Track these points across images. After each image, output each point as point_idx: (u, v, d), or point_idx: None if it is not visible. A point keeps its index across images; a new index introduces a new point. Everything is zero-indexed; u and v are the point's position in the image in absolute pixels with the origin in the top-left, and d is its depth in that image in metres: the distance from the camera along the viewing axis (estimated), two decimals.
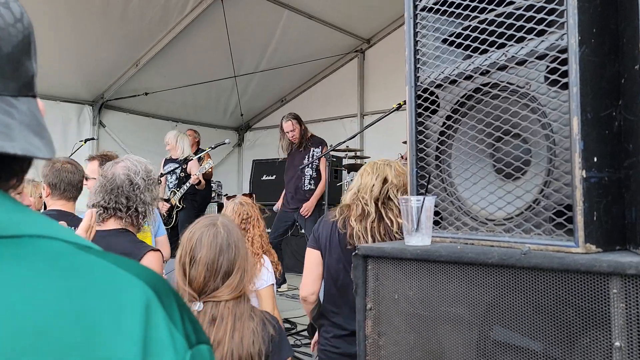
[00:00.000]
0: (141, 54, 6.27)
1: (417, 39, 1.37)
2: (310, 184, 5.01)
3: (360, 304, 1.28)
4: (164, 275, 1.88)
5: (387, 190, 2.03)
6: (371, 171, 2.11)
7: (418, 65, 1.37)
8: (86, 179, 2.72)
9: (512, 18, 1.12)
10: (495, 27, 1.16)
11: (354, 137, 3.55)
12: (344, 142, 3.58)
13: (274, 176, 7.18)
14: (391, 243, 1.38)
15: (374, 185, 2.05)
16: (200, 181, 4.82)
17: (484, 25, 1.19)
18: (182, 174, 5.04)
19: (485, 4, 1.19)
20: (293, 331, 3.53)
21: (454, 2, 1.26)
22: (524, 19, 1.09)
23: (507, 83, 1.15)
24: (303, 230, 5.53)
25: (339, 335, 2.10)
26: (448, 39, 1.30)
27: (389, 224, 1.99)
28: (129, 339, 0.43)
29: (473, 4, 1.22)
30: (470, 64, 1.23)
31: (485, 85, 1.21)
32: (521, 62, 1.12)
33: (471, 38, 1.22)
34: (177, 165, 4.98)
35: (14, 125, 0.47)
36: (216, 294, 1.45)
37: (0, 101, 0.48)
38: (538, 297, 0.99)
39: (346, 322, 2.05)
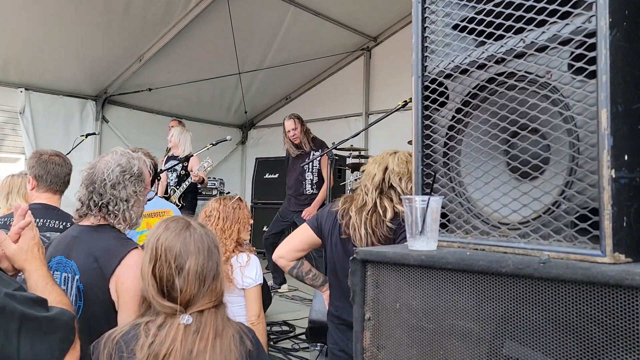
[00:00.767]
0: (145, 49, 6.21)
1: (425, 25, 1.25)
2: (312, 188, 4.92)
3: (358, 313, 1.17)
4: None
5: (389, 178, 1.99)
6: (375, 160, 2.09)
7: (426, 54, 1.26)
8: None
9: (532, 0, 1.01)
10: (512, 10, 1.05)
11: (357, 134, 3.46)
12: (347, 139, 3.47)
13: (277, 174, 7.13)
14: (393, 247, 1.27)
15: (375, 174, 2.02)
16: (203, 179, 4.73)
17: (499, 9, 1.08)
18: (183, 172, 4.95)
19: None
20: (291, 334, 3.43)
21: None
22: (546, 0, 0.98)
23: (525, 72, 1.04)
24: None
25: (343, 330, 2.06)
26: (459, 25, 1.18)
27: (382, 213, 1.94)
28: None
29: None
30: (483, 52, 1.12)
31: (500, 74, 1.09)
32: (541, 49, 1.00)
33: (485, 23, 1.11)
34: (177, 163, 4.89)
35: None
36: (199, 304, 1.32)
37: None
38: (558, 312, 0.88)
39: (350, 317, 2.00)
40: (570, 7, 0.94)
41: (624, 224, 0.87)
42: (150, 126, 7.35)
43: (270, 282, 4.62)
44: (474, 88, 1.16)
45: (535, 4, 1.00)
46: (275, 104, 8.61)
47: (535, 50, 1.01)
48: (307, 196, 4.90)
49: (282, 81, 7.87)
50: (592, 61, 0.90)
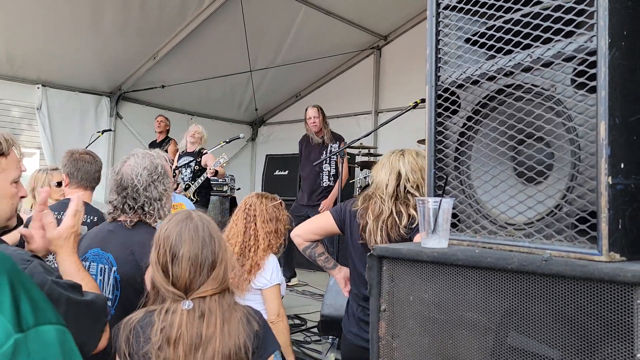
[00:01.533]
0: (159, 47, 6.32)
1: (439, 37, 1.34)
2: (329, 180, 4.98)
3: (374, 304, 1.27)
4: None
5: (404, 187, 2.03)
6: (383, 165, 2.11)
7: (439, 65, 1.35)
8: None
9: (539, 18, 1.09)
10: (520, 27, 1.14)
11: (369, 134, 3.53)
12: (359, 139, 3.56)
13: (287, 171, 7.20)
14: (407, 244, 1.36)
15: (387, 184, 2.05)
16: (216, 172, 4.83)
17: (509, 25, 1.16)
18: (197, 167, 5.06)
19: (511, 3, 1.16)
20: (303, 327, 3.53)
21: (479, 1, 1.24)
22: (552, 19, 1.07)
23: (532, 85, 1.13)
24: None
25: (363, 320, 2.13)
26: (471, 39, 1.27)
27: (397, 219, 1.99)
28: None
29: (498, 4, 1.19)
30: (493, 65, 1.21)
31: (508, 86, 1.18)
32: (547, 64, 1.09)
33: (495, 38, 1.20)
34: (192, 159, 5.00)
35: None
36: (202, 290, 1.40)
37: None
38: (558, 305, 0.97)
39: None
40: (573, 27, 1.03)
41: (620, 226, 0.96)
42: None
43: None
44: (484, 98, 1.25)
45: (541, 22, 1.09)
46: (285, 101, 8.70)
47: (541, 65, 1.10)
48: (324, 188, 4.95)
49: (293, 79, 7.95)
50: (593, 77, 0.98)
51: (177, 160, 5.21)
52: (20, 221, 1.49)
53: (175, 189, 4.91)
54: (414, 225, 1.96)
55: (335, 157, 4.81)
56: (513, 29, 1.15)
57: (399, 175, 2.05)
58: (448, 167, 1.33)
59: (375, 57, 7.60)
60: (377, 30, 7.27)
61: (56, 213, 2.16)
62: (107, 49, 6.07)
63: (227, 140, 4.81)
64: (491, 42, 1.21)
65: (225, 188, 7.45)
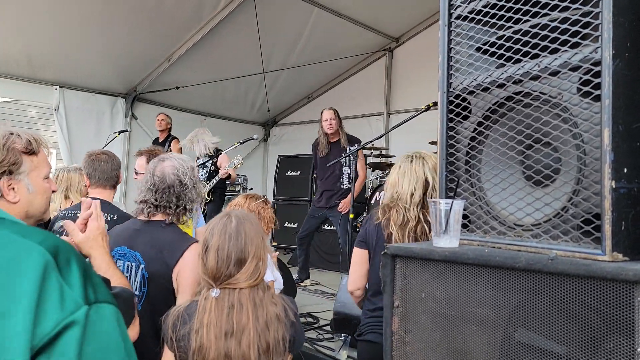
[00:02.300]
0: (174, 49, 6.42)
1: (451, 46, 1.40)
2: (349, 182, 5.01)
3: (387, 301, 1.33)
4: None
5: (432, 196, 2.03)
6: (404, 174, 2.11)
7: (451, 72, 1.41)
8: (136, 173, 2.84)
9: (547, 30, 1.15)
10: (529, 37, 1.19)
11: (382, 136, 3.58)
12: (372, 141, 3.62)
13: (299, 172, 7.26)
14: (419, 244, 1.42)
15: (412, 193, 2.05)
16: (230, 175, 4.91)
17: (518, 36, 1.22)
18: (212, 167, 5.14)
19: (520, 15, 1.22)
20: (315, 325, 3.60)
21: (489, 12, 1.29)
22: (559, 31, 1.12)
23: (540, 92, 1.18)
24: (334, 227, 5.56)
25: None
26: (482, 48, 1.33)
27: (426, 227, 1.99)
28: (23, 297, 0.50)
29: (508, 15, 1.24)
30: (503, 73, 1.27)
31: (517, 93, 1.24)
32: (554, 73, 1.15)
33: (505, 47, 1.26)
34: (207, 159, 5.09)
35: None
36: (232, 282, 1.50)
37: None
38: (563, 302, 1.03)
39: None
40: (579, 38, 1.08)
41: (622, 228, 1.02)
42: (176, 123, 7.55)
43: (295, 276, 4.79)
44: (494, 104, 1.30)
45: (549, 33, 1.15)
46: (297, 102, 8.78)
47: (549, 74, 1.16)
48: (344, 190, 4.96)
49: (305, 80, 8.02)
50: (598, 86, 1.04)
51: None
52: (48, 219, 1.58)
53: None
54: None
55: (354, 159, 4.82)
56: (522, 39, 1.21)
57: (426, 183, 2.04)
58: (459, 170, 1.39)
59: (387, 58, 7.65)
60: (389, 32, 7.31)
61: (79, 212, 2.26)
62: (123, 51, 6.18)
63: (242, 141, 4.89)
64: (501, 51, 1.27)
65: (237, 188, 7.55)
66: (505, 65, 1.27)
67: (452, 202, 1.28)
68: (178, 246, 1.70)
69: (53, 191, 1.46)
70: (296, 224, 6.76)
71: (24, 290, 0.50)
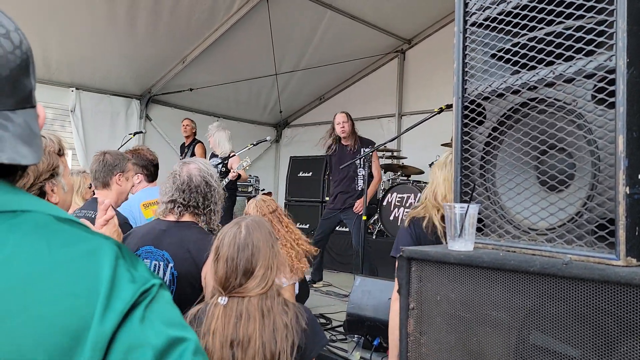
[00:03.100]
0: (188, 51, 6.50)
1: (466, 52, 1.42)
2: (364, 184, 5.03)
3: (403, 303, 1.35)
4: None
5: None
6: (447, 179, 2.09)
7: (466, 78, 1.43)
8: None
9: (562, 37, 1.17)
10: (544, 45, 1.21)
11: (395, 138, 3.61)
12: (385, 143, 3.64)
13: (311, 173, 7.29)
14: (435, 247, 1.45)
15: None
16: (239, 175, 4.96)
17: (533, 43, 1.24)
18: (224, 169, 5.20)
19: (535, 22, 1.24)
20: (328, 326, 3.63)
21: (504, 20, 1.31)
22: (574, 39, 1.14)
23: (554, 99, 1.20)
24: (346, 229, 5.59)
25: None
26: (497, 54, 1.35)
27: None
28: (103, 275, 0.60)
29: (523, 22, 1.26)
30: (518, 79, 1.28)
31: (532, 100, 1.26)
32: (569, 80, 1.16)
33: (520, 54, 1.28)
34: (220, 161, 5.14)
35: (6, 137, 0.62)
36: (241, 290, 1.53)
37: None
38: (578, 306, 1.04)
39: None
40: (594, 46, 1.10)
41: (637, 233, 1.03)
42: None
43: (308, 277, 4.83)
44: (508, 110, 1.32)
45: (564, 41, 1.16)
46: (309, 103, 8.82)
47: (564, 81, 1.17)
48: (359, 192, 4.96)
49: (317, 82, 8.06)
50: (612, 94, 1.06)
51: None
52: None
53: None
54: None
55: (369, 161, 4.84)
56: (537, 47, 1.23)
57: None
58: (474, 174, 1.41)
59: (399, 60, 7.66)
60: (401, 33, 7.33)
61: (91, 212, 2.30)
62: (138, 54, 6.27)
63: (255, 143, 4.93)
64: (516, 58, 1.29)
65: (250, 189, 7.60)
66: (520, 72, 1.28)
67: (468, 206, 1.30)
68: (207, 246, 1.74)
69: None
70: (308, 225, 6.80)
71: (105, 274, 0.60)
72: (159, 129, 7.42)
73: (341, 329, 3.41)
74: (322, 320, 3.75)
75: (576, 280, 1.04)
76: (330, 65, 7.27)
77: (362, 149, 4.97)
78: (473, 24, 1.41)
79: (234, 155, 5.15)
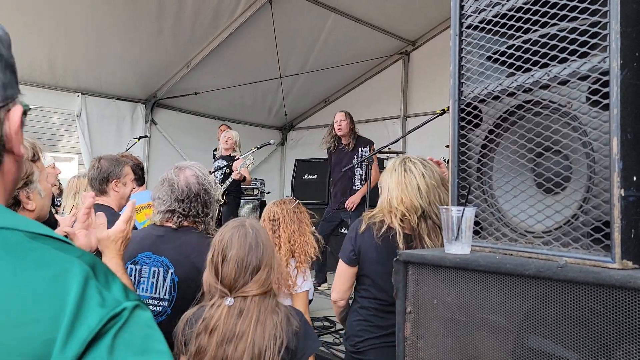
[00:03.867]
0: (192, 55, 6.52)
1: (462, 55, 1.42)
2: (362, 184, 5.07)
3: (400, 307, 1.35)
4: None
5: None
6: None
7: (462, 80, 1.43)
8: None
9: (556, 39, 1.16)
10: (539, 47, 1.21)
11: (398, 140, 3.61)
12: (389, 144, 3.64)
13: (316, 175, 7.29)
14: (431, 250, 1.44)
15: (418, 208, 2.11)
16: (245, 177, 4.98)
17: (528, 45, 1.24)
18: (228, 170, 5.22)
19: (530, 24, 1.23)
20: (332, 329, 3.62)
21: (499, 22, 1.31)
22: (568, 40, 1.14)
23: (549, 101, 1.20)
24: (344, 230, 5.61)
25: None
26: (492, 57, 1.35)
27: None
28: (69, 299, 0.56)
29: (518, 24, 1.26)
30: (513, 81, 1.28)
31: (527, 102, 1.25)
32: (563, 82, 1.16)
33: (515, 57, 1.27)
34: (225, 163, 5.16)
35: None
36: (244, 289, 1.54)
37: None
38: (574, 309, 1.04)
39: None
40: (588, 48, 1.10)
41: (632, 236, 1.02)
42: (195, 128, 7.71)
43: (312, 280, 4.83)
44: (504, 112, 1.32)
45: (558, 43, 1.16)
46: (314, 106, 8.82)
47: (558, 83, 1.17)
48: (355, 192, 5.03)
49: (322, 84, 8.06)
50: (606, 95, 1.05)
51: (213, 162, 5.40)
52: (55, 222, 1.64)
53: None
54: None
55: (365, 161, 4.88)
56: (532, 49, 1.22)
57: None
58: (471, 177, 1.41)
59: (403, 62, 7.64)
60: (405, 35, 7.31)
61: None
62: (143, 58, 6.31)
63: (259, 146, 4.95)
64: (511, 61, 1.28)
65: (255, 192, 7.62)
66: (515, 74, 1.28)
67: (464, 208, 1.30)
68: (206, 249, 1.75)
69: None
70: (313, 228, 6.79)
71: (71, 299, 0.57)
72: (165, 133, 7.45)
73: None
74: (326, 323, 3.75)
75: (571, 284, 1.04)
76: (335, 68, 7.27)
77: (359, 148, 5.00)
78: (469, 27, 1.41)
79: (238, 157, 5.17)
